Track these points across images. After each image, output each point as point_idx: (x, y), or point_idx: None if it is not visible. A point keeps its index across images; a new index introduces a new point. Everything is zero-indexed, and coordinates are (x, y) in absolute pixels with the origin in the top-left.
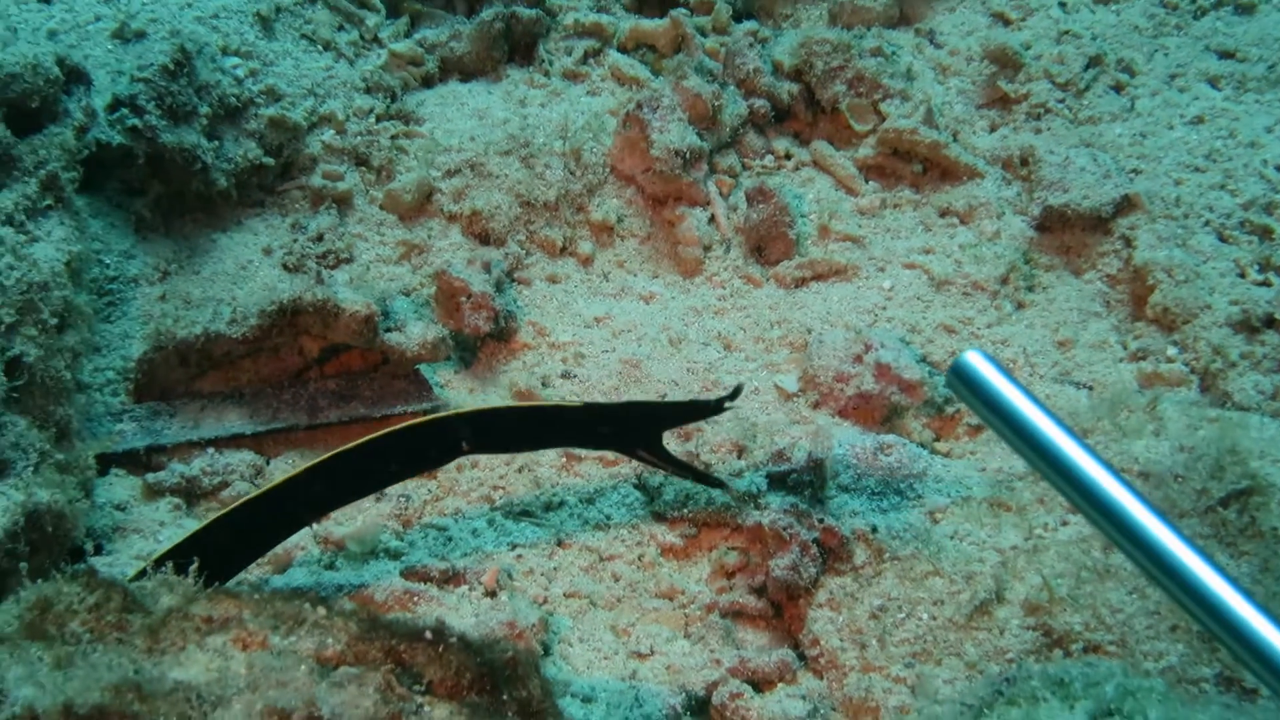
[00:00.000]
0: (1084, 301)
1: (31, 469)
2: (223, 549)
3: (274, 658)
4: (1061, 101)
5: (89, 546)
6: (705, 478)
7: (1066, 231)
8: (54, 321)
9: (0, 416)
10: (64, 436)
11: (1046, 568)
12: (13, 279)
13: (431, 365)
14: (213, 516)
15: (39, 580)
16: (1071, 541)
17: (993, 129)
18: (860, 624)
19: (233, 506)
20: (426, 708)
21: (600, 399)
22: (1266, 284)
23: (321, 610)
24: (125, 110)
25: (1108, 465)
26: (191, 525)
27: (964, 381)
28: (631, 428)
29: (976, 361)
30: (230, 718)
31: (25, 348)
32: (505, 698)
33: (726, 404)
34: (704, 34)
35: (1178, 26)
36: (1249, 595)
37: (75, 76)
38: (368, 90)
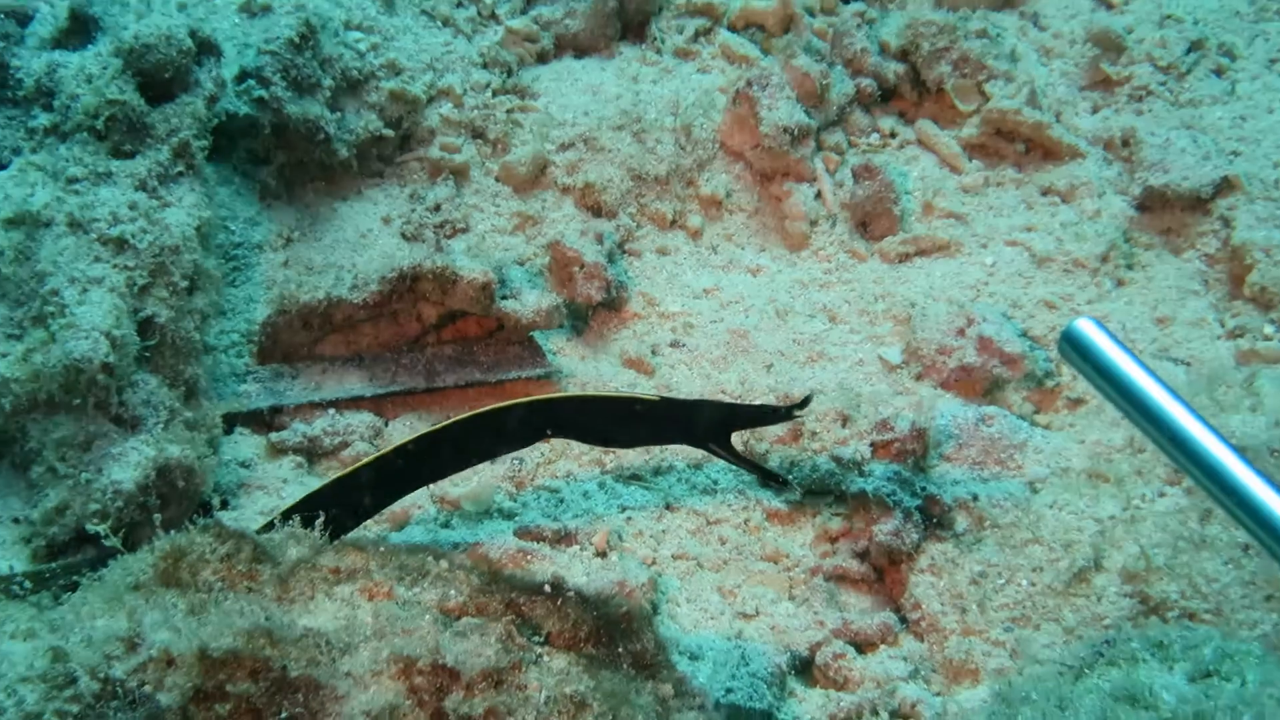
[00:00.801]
0: (1183, 280)
1: (162, 425)
2: (336, 509)
3: (399, 608)
4: (1163, 84)
5: (215, 501)
6: (772, 475)
7: (1166, 211)
8: (184, 284)
9: (133, 374)
10: (192, 395)
11: (1144, 537)
12: (146, 242)
13: (545, 332)
14: (327, 480)
15: (171, 531)
16: (1169, 512)
17: (1095, 110)
18: (961, 589)
19: (343, 473)
20: (545, 658)
21: (709, 368)
22: None
23: (444, 563)
24: (252, 81)
25: (1216, 431)
26: (313, 483)
27: (1075, 348)
28: (705, 425)
29: (1088, 328)
30: (357, 664)
31: (157, 309)
32: (620, 650)
33: (795, 413)
34: (812, 14)
35: (1278, 12)
36: None
37: (206, 48)
38: (485, 65)
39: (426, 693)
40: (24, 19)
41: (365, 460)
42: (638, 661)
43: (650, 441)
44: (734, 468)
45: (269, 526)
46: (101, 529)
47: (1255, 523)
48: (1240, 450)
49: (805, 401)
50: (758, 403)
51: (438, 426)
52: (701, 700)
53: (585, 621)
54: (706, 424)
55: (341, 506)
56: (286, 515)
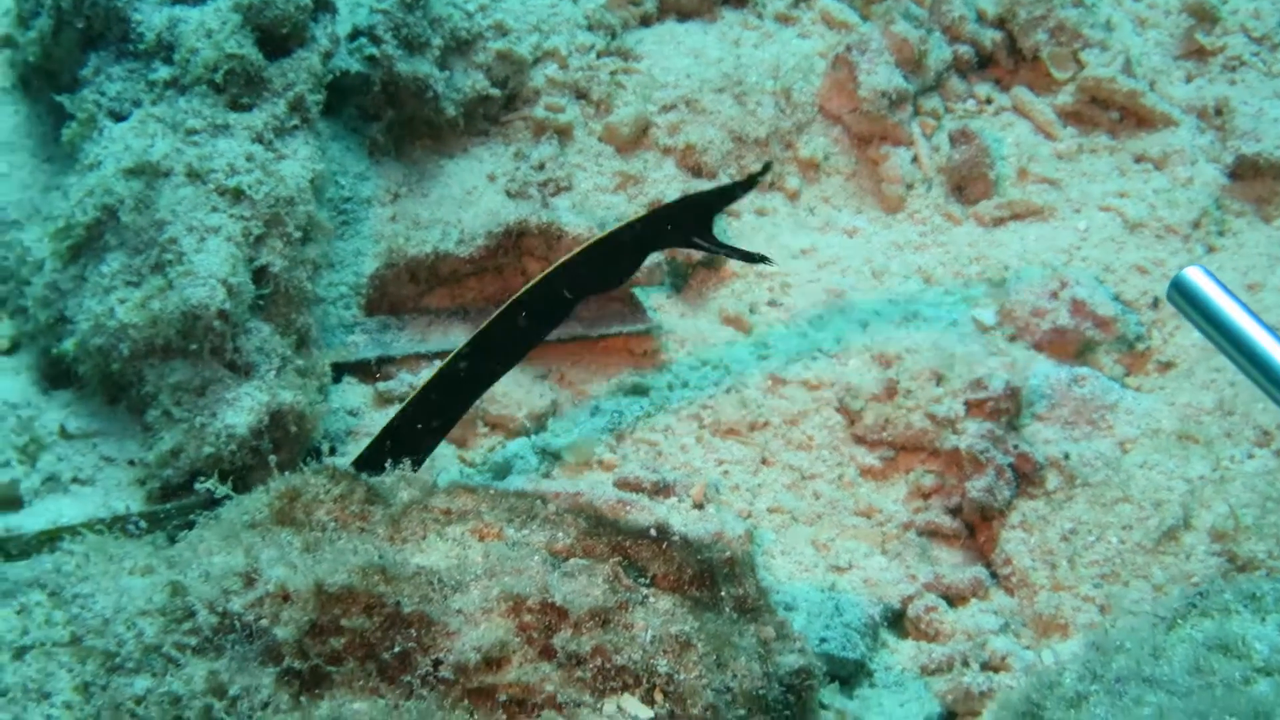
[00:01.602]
0: (1273, 247)
1: (274, 372)
2: (409, 436)
3: (509, 548)
4: (1256, 55)
5: (325, 447)
6: (749, 255)
7: (1258, 180)
8: (298, 235)
9: (247, 322)
10: (303, 344)
11: (1232, 497)
12: (262, 193)
13: (646, 289)
14: (400, 408)
15: (285, 473)
16: (1257, 474)
17: (1189, 80)
18: (1051, 545)
19: (413, 394)
20: (651, 599)
21: (805, 326)
22: None
23: (552, 507)
24: (364, 39)
25: None
26: None
27: (1185, 295)
28: (688, 220)
29: (1197, 277)
30: (469, 601)
31: (272, 258)
32: (723, 594)
33: (758, 179)
34: None
35: None
36: None
37: (323, 4)
38: (589, 28)
39: (535, 630)
40: None
41: (429, 379)
42: (740, 605)
43: (650, 251)
44: (857, 404)
45: (361, 462)
46: (210, 484)
47: None
48: None
49: (766, 168)
50: (721, 184)
51: (482, 327)
52: (801, 644)
53: (689, 565)
54: (686, 222)
55: (419, 430)
56: (371, 451)
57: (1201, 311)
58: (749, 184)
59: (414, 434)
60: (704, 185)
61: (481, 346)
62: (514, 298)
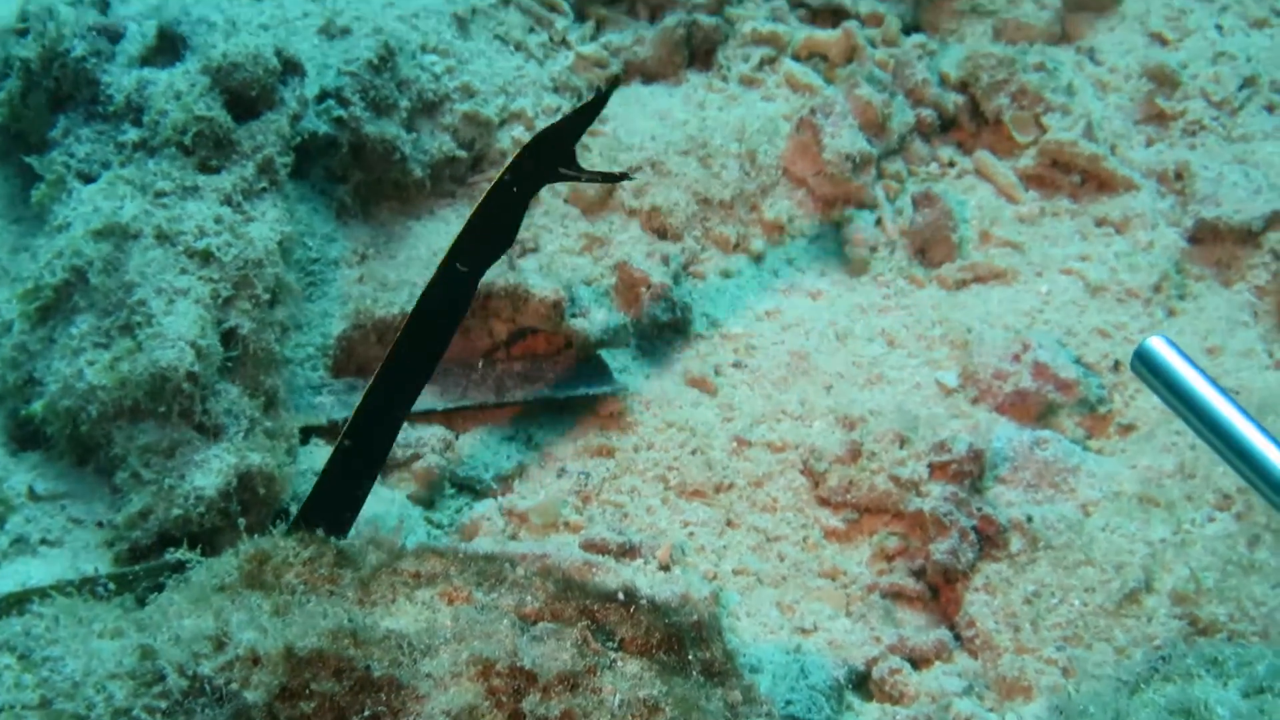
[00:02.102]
0: (1233, 311)
1: (243, 434)
2: (346, 477)
3: (478, 612)
4: (1216, 119)
5: (294, 509)
6: (610, 176)
7: (1218, 244)
8: (266, 297)
9: (215, 384)
10: (272, 405)
11: (1194, 560)
12: (230, 255)
13: (612, 351)
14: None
15: (255, 536)
16: (1218, 537)
17: (1149, 144)
18: (1015, 608)
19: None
20: (619, 662)
21: (770, 388)
22: None
23: (520, 570)
24: (332, 101)
25: None
26: (385, 493)
27: (1147, 364)
28: (549, 155)
29: (1160, 347)
30: (438, 665)
31: (240, 320)
32: (691, 658)
33: (605, 98)
34: (874, 45)
35: None
36: None
37: (291, 67)
38: (555, 90)
39: (504, 694)
40: (115, 36)
41: (357, 408)
42: (707, 669)
43: (527, 198)
44: (820, 465)
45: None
46: (180, 553)
47: None
48: None
49: (614, 83)
50: (567, 114)
51: (407, 321)
52: (769, 708)
53: (657, 629)
54: (548, 159)
55: (355, 467)
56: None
57: (1164, 381)
58: (596, 106)
59: (351, 472)
60: (669, 246)
61: (403, 358)
62: (423, 291)
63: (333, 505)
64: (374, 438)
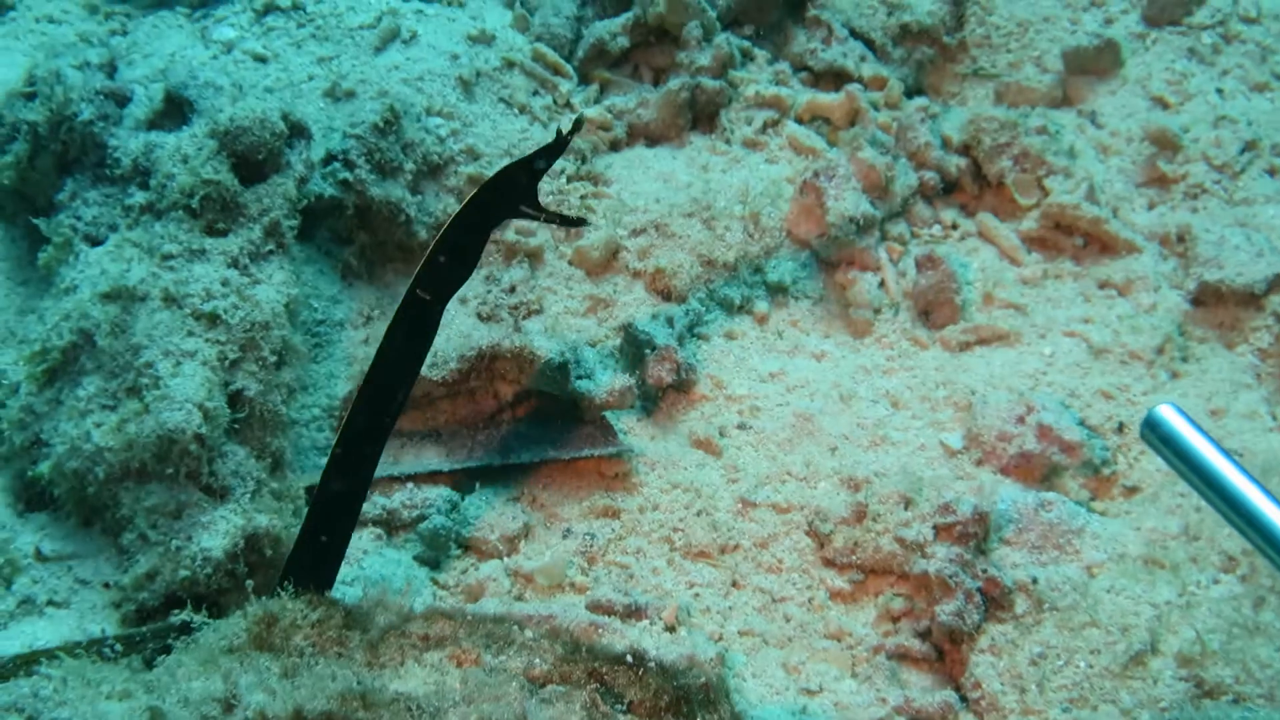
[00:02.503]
0: (1235, 373)
1: (250, 495)
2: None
3: (486, 674)
4: (1218, 183)
5: None
6: (568, 219)
7: (1220, 306)
8: (273, 359)
9: (222, 445)
10: (278, 467)
11: (1199, 623)
12: (237, 318)
13: (616, 413)
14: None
15: (263, 598)
16: (1223, 599)
17: (1151, 207)
18: (1020, 669)
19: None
20: None
21: (775, 449)
22: None
23: (529, 632)
24: (338, 164)
25: None
26: (392, 554)
27: (1156, 432)
28: (511, 191)
29: (1169, 415)
30: None
31: (247, 382)
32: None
33: (570, 138)
34: (877, 109)
35: None
36: None
37: (297, 131)
38: None
39: None
40: (122, 100)
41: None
42: None
43: (487, 229)
44: (825, 527)
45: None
46: (185, 614)
47: None
48: None
49: (578, 124)
50: (531, 152)
51: (378, 349)
52: None
53: (666, 691)
54: (509, 194)
55: (337, 506)
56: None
57: (1174, 449)
58: (560, 145)
59: (333, 510)
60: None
61: (373, 390)
62: (395, 312)
63: (315, 555)
64: (351, 475)
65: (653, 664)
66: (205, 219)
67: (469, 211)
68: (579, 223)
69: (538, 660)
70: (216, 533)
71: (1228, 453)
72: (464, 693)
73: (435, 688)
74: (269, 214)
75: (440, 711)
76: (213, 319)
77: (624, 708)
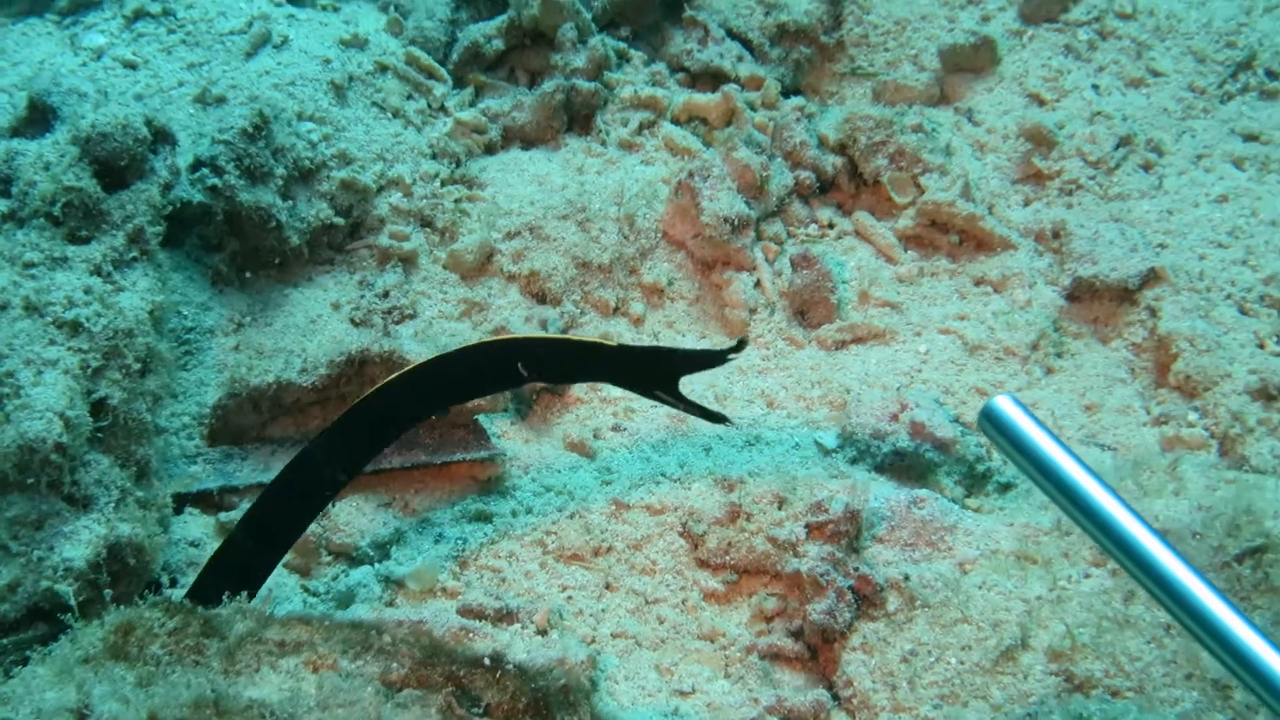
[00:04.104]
0: (1110, 368)
1: (113, 505)
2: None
3: (342, 679)
4: (1093, 178)
5: (165, 580)
6: (711, 414)
7: (1095, 302)
8: (137, 367)
9: (85, 454)
10: (144, 475)
11: (1070, 617)
12: (100, 325)
13: (489, 416)
14: (298, 452)
15: (120, 606)
16: (1094, 593)
17: (1027, 203)
18: (892, 667)
19: (320, 433)
20: None
21: (649, 451)
22: None
23: (387, 637)
24: (206, 170)
25: (1127, 503)
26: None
27: (993, 423)
28: (652, 371)
29: (1006, 405)
30: None
31: (110, 390)
32: None
33: (730, 355)
34: (753, 109)
35: (1205, 110)
36: (1251, 621)
37: (162, 137)
38: (434, 156)
39: None
40: None
41: (344, 412)
42: None
43: (606, 381)
44: (699, 528)
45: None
46: (68, 590)
47: (1165, 594)
48: (1150, 523)
49: (741, 344)
50: (699, 348)
51: (413, 368)
52: None
53: (524, 693)
54: (654, 371)
55: (316, 480)
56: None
57: (1010, 440)
58: (722, 357)
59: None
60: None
61: (415, 384)
62: (468, 346)
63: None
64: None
65: (511, 666)
66: (67, 226)
67: (613, 350)
68: (721, 419)
69: (395, 664)
70: (79, 542)
71: (1064, 444)
72: (319, 698)
73: (290, 694)
74: (132, 221)
75: (294, 717)
76: (75, 327)
77: (481, 710)
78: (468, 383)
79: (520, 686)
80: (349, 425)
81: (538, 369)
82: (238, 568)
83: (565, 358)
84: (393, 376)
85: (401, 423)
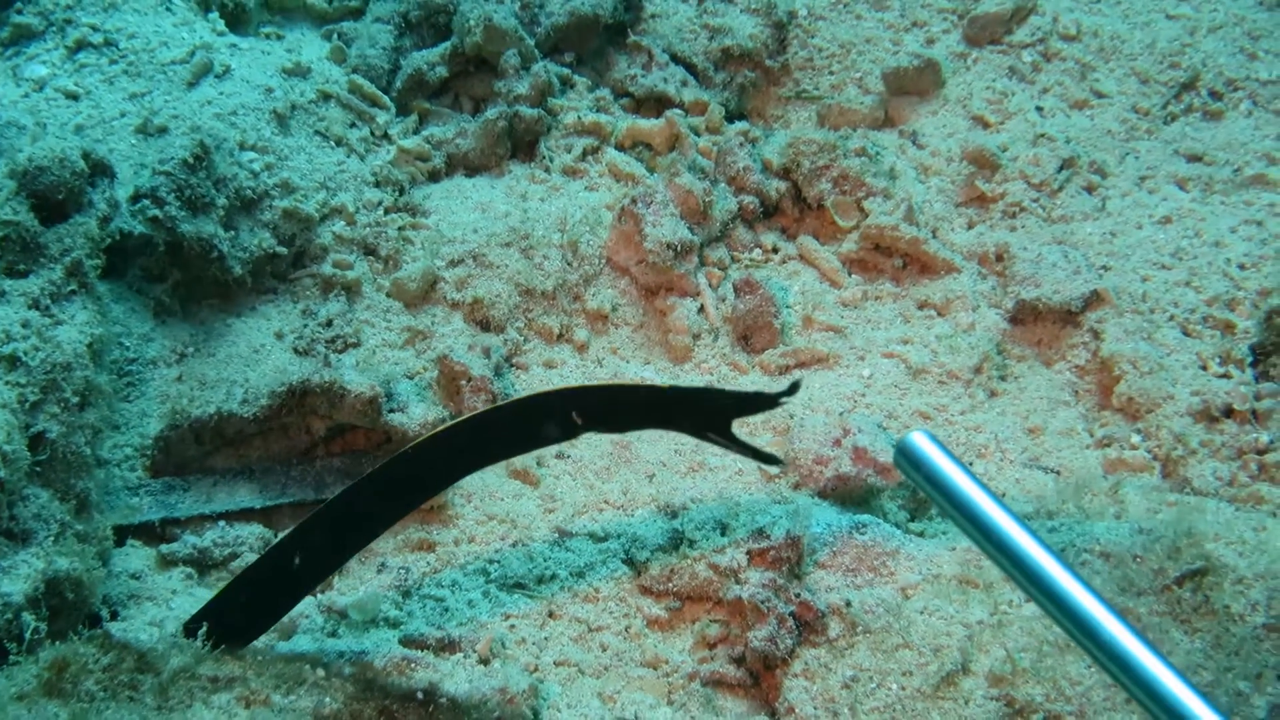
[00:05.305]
0: (1053, 391)
1: (52, 539)
2: (347, 523)
3: (275, 715)
4: (1036, 201)
5: (105, 613)
6: (763, 455)
7: (1038, 324)
8: (75, 400)
9: (24, 489)
10: (83, 508)
11: (1010, 641)
12: (37, 359)
13: None
14: (337, 494)
15: (56, 643)
16: (1035, 617)
17: (970, 226)
18: (833, 693)
19: (374, 471)
20: None
21: (592, 478)
22: (1227, 376)
23: (320, 671)
24: (147, 201)
25: (1039, 537)
26: (204, 593)
27: (908, 459)
28: (706, 414)
29: (921, 441)
30: None
31: (48, 424)
32: None
33: (782, 399)
34: (698, 133)
35: (1148, 131)
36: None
37: (100, 169)
38: (377, 184)
39: None
40: None
41: (389, 458)
42: None
43: (660, 427)
44: (641, 554)
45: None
46: (29, 617)
47: (1075, 626)
48: (1060, 554)
49: (794, 387)
50: (750, 390)
51: (468, 417)
52: None
53: None
54: (706, 412)
55: (351, 528)
56: (291, 542)
57: (925, 475)
58: (773, 401)
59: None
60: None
61: (470, 433)
62: (524, 398)
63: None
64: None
65: (444, 700)
66: (5, 260)
67: (669, 392)
68: (774, 460)
69: (328, 699)
70: (17, 577)
71: (978, 479)
72: None
73: None
74: (71, 254)
75: None
76: (12, 361)
77: None
78: (520, 435)
79: None
80: (389, 474)
81: (593, 418)
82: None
83: (624, 405)
84: (440, 429)
85: (449, 476)
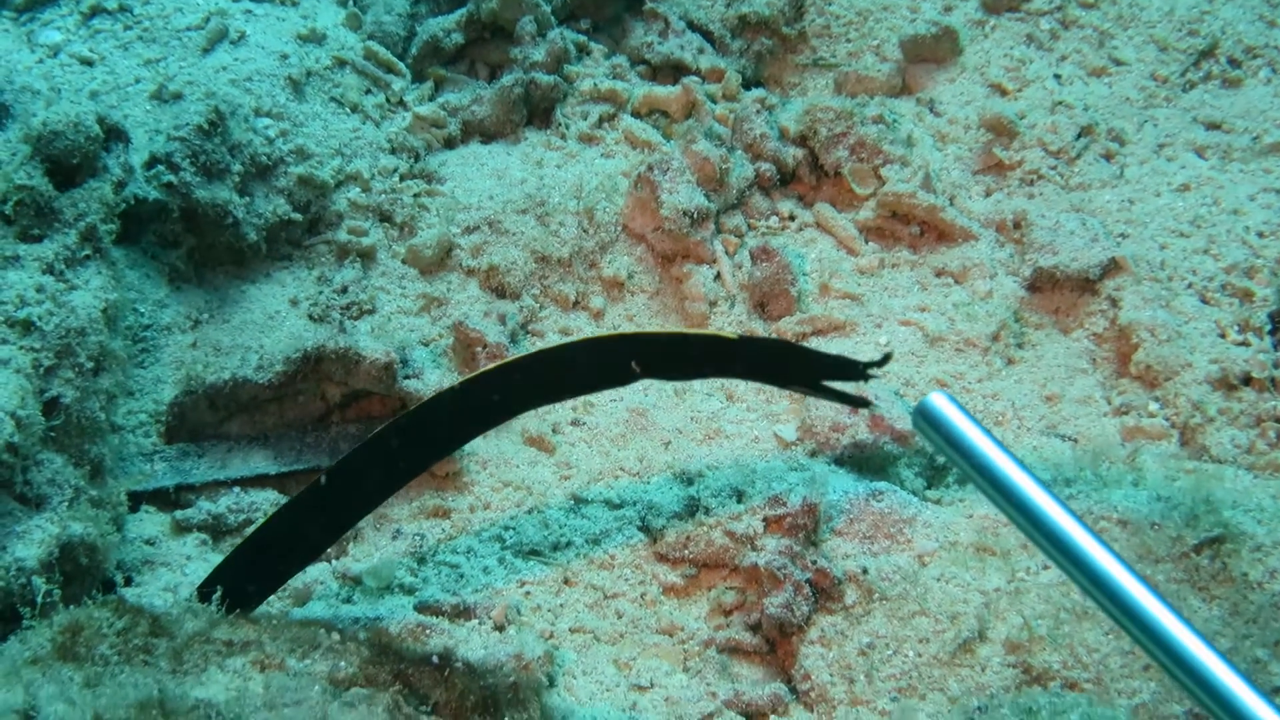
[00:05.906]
0: (1071, 359)
1: (66, 504)
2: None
3: (290, 679)
4: (1054, 168)
5: (119, 578)
6: (852, 399)
7: (1056, 292)
8: (90, 365)
9: (38, 454)
10: (98, 474)
11: (1027, 609)
12: (52, 324)
13: None
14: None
15: (70, 606)
16: (1052, 584)
17: (988, 194)
18: (849, 660)
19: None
20: None
21: (608, 445)
22: (1245, 344)
23: (335, 635)
24: (161, 167)
25: (1060, 500)
26: (218, 559)
27: (928, 420)
28: (782, 367)
29: (940, 402)
30: None
31: (63, 389)
32: (506, 719)
33: (870, 371)
34: (714, 101)
35: (1167, 99)
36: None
37: (115, 134)
38: (392, 150)
39: None
40: None
41: (448, 387)
42: None
43: (719, 376)
44: (658, 522)
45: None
46: (40, 581)
47: (1096, 588)
48: (1080, 517)
49: (886, 358)
50: (836, 354)
51: (526, 354)
52: None
53: (472, 692)
54: (782, 370)
55: (417, 443)
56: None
57: (944, 436)
58: (865, 370)
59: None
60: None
61: (528, 371)
62: (582, 340)
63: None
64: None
65: (460, 665)
66: (19, 225)
67: (739, 338)
68: (864, 403)
69: (343, 663)
70: (31, 542)
71: (998, 440)
72: (265, 698)
73: (236, 694)
74: (85, 219)
75: (241, 717)
76: (27, 326)
77: (429, 709)
78: (574, 377)
79: (468, 685)
80: (441, 406)
81: (653, 365)
82: (294, 538)
83: (686, 354)
84: (495, 364)
85: (501, 411)
